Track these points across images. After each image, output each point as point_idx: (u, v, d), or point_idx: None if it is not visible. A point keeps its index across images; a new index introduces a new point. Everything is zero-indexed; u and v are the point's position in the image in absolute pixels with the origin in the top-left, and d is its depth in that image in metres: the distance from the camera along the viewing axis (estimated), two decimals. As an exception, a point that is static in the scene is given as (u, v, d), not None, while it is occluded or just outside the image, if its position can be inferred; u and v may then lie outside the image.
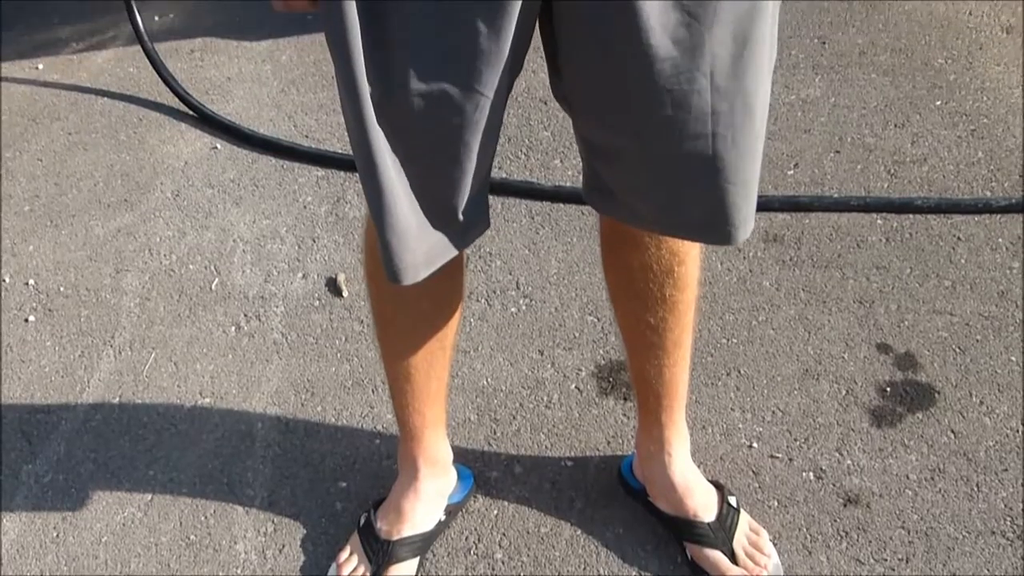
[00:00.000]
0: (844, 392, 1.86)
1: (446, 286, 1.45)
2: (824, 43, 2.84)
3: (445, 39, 1.09)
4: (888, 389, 1.86)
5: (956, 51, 2.77)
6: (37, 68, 3.10)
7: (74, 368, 2.05)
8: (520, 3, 1.07)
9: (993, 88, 2.61)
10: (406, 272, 1.25)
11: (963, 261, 2.10)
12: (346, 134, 1.16)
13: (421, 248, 1.25)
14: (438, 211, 1.23)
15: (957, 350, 1.92)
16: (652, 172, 1.21)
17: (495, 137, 1.22)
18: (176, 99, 2.82)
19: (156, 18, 3.28)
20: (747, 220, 1.26)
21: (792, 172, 2.37)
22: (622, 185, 1.26)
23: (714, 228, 1.27)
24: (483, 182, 1.26)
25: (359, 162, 1.18)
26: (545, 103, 2.64)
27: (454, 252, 1.30)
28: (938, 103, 2.57)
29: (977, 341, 1.94)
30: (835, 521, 1.66)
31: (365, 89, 1.11)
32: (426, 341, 1.50)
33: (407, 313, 1.48)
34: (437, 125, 1.15)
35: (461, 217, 1.25)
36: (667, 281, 1.43)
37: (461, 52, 1.10)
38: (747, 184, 1.23)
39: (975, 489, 1.69)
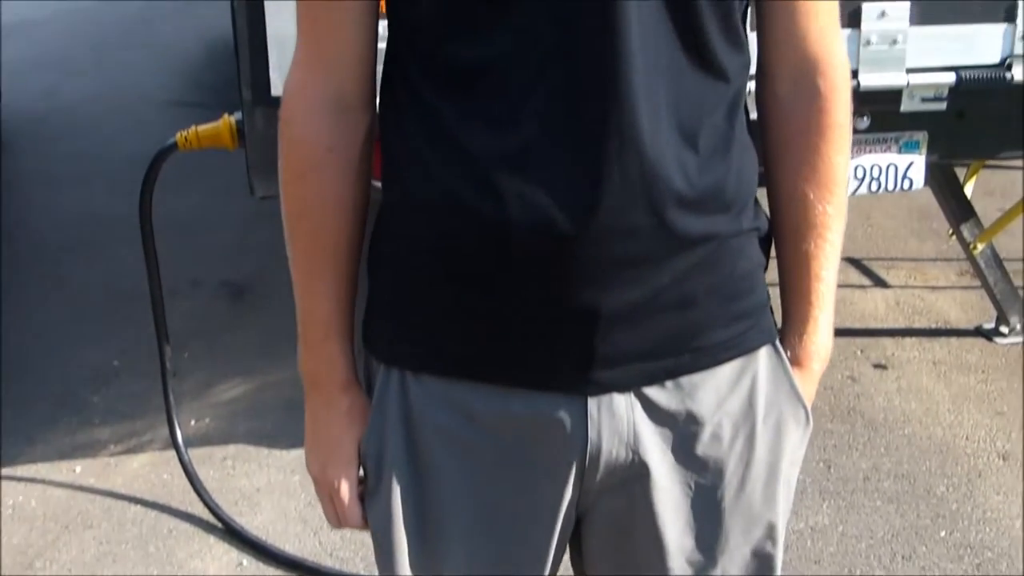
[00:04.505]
0: None
1: None
2: (829, 467, 2.97)
3: (493, 559, 1.20)
4: None
5: (956, 478, 2.89)
6: (75, 471, 3.24)
7: None
8: (561, 524, 1.20)
9: (995, 519, 2.71)
10: None
11: None
12: (370, 553, 1.27)
13: None
14: None
15: None
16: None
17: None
18: (207, 510, 2.93)
19: (193, 422, 3.45)
20: None
21: (804, 607, 2.43)
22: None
23: None
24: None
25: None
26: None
27: None
28: (942, 534, 2.66)
29: None
30: None
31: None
32: None
33: None
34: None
35: None
36: None
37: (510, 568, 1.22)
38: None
39: None
